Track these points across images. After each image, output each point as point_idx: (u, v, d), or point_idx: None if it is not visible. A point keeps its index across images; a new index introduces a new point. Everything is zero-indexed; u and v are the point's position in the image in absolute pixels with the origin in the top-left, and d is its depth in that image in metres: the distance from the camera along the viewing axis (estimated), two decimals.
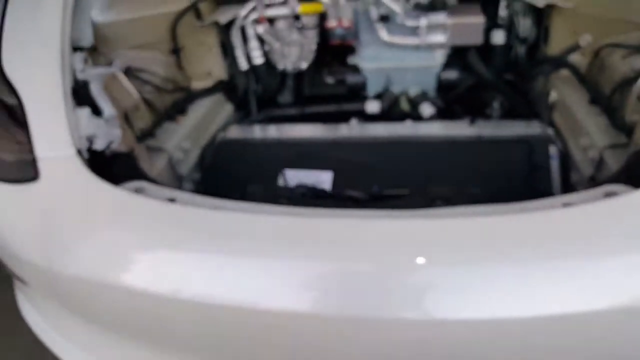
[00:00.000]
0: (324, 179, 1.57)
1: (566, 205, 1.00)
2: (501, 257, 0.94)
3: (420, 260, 0.94)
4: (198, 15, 1.80)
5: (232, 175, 1.59)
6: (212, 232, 1.07)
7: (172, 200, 1.15)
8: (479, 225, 0.99)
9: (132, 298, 1.09)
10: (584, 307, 0.88)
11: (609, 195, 1.01)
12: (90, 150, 1.29)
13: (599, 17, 1.60)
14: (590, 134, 1.45)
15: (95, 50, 1.63)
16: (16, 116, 1.31)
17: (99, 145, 1.31)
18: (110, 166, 1.27)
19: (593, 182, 1.32)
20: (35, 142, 1.25)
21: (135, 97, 1.57)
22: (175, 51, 1.80)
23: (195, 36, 1.83)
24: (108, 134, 1.36)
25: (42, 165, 1.23)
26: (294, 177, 1.55)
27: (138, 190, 1.18)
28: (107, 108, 1.41)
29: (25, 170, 1.25)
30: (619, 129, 1.38)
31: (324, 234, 1.04)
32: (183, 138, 1.68)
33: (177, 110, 1.73)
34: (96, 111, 1.41)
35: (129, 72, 1.64)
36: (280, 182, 1.53)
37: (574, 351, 0.96)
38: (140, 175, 1.27)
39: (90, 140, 1.32)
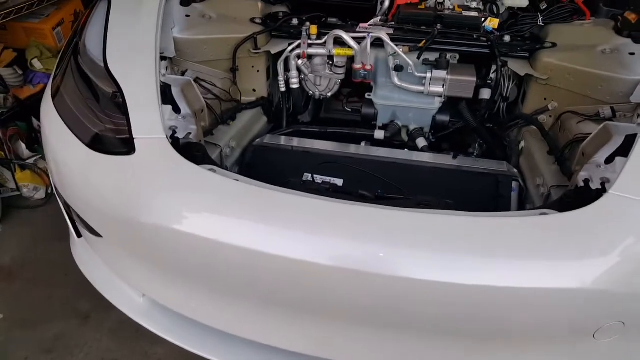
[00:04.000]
0: (336, 184, 1.76)
1: (509, 216, 1.34)
2: (456, 242, 1.26)
3: (405, 237, 1.28)
4: (255, 44, 2.06)
5: (264, 172, 1.80)
6: (266, 203, 1.34)
7: (236, 180, 1.41)
8: (447, 220, 1.30)
9: (199, 245, 1.33)
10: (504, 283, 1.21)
11: (542, 214, 1.32)
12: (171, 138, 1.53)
13: (565, 90, 1.87)
14: (544, 175, 1.70)
15: (171, 60, 1.91)
16: (119, 105, 1.57)
17: (180, 135, 1.56)
18: (187, 151, 1.48)
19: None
20: (133, 125, 1.51)
21: (202, 102, 1.80)
22: (233, 70, 2.07)
23: (249, 60, 2.09)
24: (186, 128, 1.61)
25: (138, 143, 1.48)
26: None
27: (212, 170, 1.43)
28: (184, 107, 1.67)
29: (124, 146, 1.49)
30: (565, 174, 1.64)
31: (344, 216, 1.31)
32: (231, 139, 1.92)
33: (229, 116, 1.99)
34: (175, 109, 1.66)
35: (196, 81, 1.89)
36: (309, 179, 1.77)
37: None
38: (211, 161, 1.53)
39: (172, 130, 1.57)
